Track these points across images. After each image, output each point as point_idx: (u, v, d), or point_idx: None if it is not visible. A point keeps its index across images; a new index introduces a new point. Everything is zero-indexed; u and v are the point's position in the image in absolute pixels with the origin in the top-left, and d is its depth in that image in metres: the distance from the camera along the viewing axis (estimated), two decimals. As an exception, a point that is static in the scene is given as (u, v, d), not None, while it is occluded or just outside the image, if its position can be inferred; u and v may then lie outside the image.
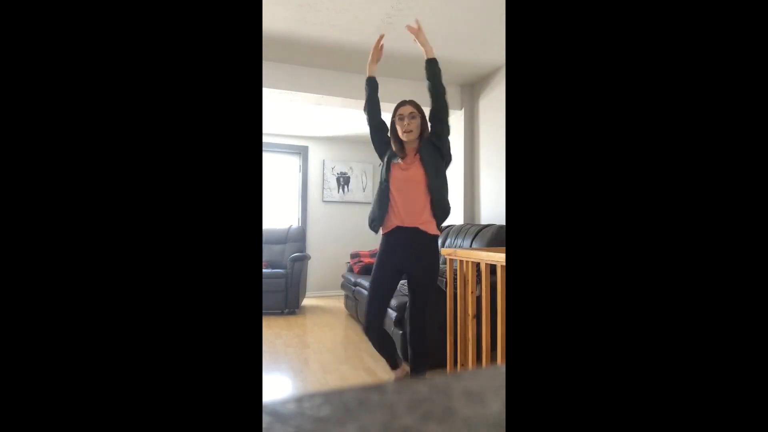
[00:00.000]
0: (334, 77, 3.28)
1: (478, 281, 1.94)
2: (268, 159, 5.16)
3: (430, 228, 1.76)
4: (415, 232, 1.75)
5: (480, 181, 3.41)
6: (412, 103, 1.87)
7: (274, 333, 3.32)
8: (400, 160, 1.82)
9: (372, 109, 1.91)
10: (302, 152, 5.25)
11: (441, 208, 1.76)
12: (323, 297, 5.14)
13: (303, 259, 4.22)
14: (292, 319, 3.87)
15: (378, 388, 0.22)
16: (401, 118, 1.84)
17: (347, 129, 4.83)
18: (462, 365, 1.94)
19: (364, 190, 5.46)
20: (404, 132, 1.81)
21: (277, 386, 2.20)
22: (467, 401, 0.21)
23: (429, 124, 1.87)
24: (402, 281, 1.95)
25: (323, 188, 5.29)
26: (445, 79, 3.42)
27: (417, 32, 1.83)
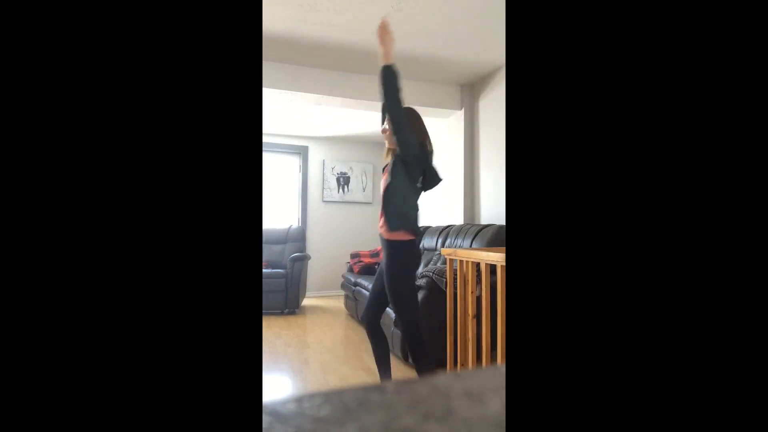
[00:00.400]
0: (334, 77, 3.28)
1: (478, 281, 1.94)
2: (268, 159, 5.16)
3: (384, 232, 1.76)
4: (380, 237, 1.81)
5: (480, 181, 3.41)
6: None
7: (274, 333, 3.32)
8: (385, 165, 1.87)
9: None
10: (302, 152, 5.25)
11: (392, 214, 1.71)
12: (323, 297, 5.14)
13: (303, 259, 4.22)
14: (292, 319, 3.87)
15: (378, 388, 0.22)
16: (383, 121, 1.88)
17: (347, 129, 4.83)
18: (462, 365, 1.94)
19: (364, 190, 5.46)
20: (383, 133, 1.86)
21: (277, 386, 2.20)
22: (467, 401, 0.21)
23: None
24: None
25: (323, 188, 5.29)
26: (445, 79, 3.44)
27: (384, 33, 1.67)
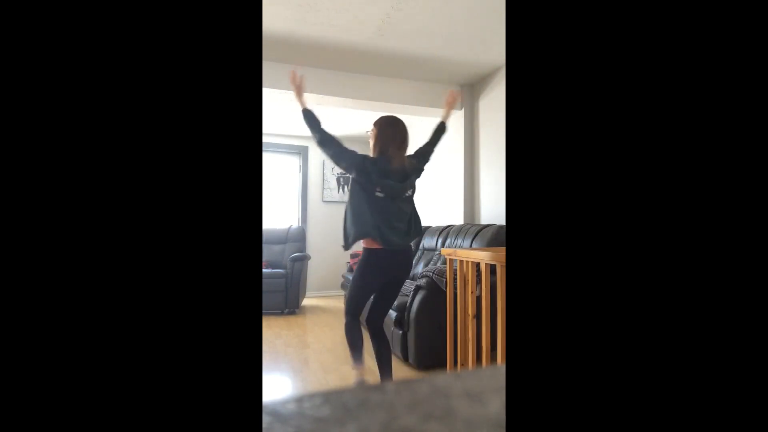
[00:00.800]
0: (334, 77, 3.28)
1: (478, 281, 1.94)
2: (268, 159, 5.16)
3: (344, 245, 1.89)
4: None
5: (480, 181, 3.41)
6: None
7: (274, 333, 3.32)
8: None
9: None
10: (302, 152, 5.25)
11: (346, 228, 1.84)
12: (323, 297, 5.14)
13: (303, 259, 4.22)
14: (292, 319, 3.87)
15: (378, 388, 0.22)
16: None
17: (347, 129, 4.83)
18: (462, 365, 1.94)
19: (364, 190, 5.46)
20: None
21: (277, 386, 2.20)
22: (467, 401, 0.21)
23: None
24: (404, 284, 2.06)
25: (323, 188, 5.29)
26: (445, 79, 3.44)
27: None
